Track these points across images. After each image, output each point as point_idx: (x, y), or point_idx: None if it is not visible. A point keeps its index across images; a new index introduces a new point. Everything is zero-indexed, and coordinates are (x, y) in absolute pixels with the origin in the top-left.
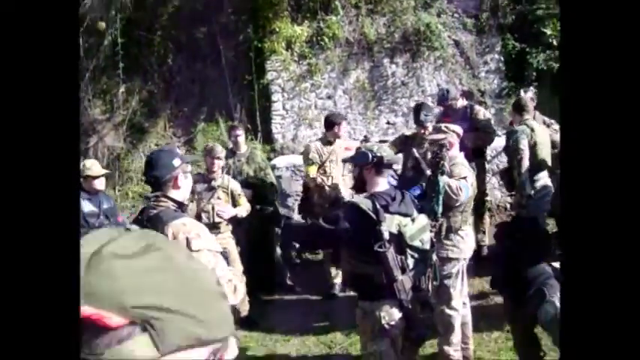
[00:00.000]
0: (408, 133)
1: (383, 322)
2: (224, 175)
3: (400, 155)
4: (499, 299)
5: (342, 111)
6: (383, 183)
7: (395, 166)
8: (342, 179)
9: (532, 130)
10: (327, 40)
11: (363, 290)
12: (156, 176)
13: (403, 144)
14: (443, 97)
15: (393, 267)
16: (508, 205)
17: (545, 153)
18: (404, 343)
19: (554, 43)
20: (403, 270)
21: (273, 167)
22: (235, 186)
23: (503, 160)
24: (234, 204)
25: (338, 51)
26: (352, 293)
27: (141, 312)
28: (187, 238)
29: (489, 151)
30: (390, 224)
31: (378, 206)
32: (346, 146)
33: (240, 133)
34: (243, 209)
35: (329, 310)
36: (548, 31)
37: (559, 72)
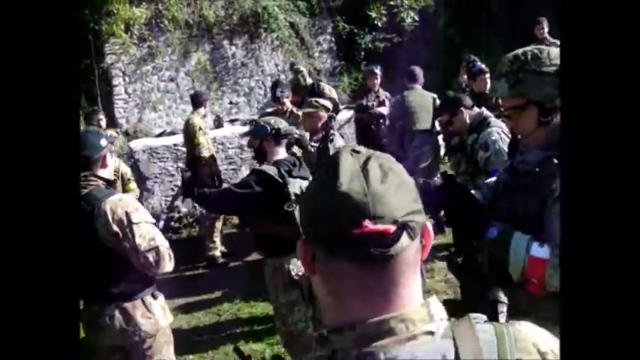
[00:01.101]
0: (268, 110)
1: (292, 273)
2: (115, 158)
3: (293, 126)
4: None
5: (185, 93)
6: (282, 152)
7: None
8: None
9: (407, 97)
10: (166, 22)
11: (272, 248)
12: (86, 156)
13: None
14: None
15: (299, 223)
16: None
17: (420, 117)
18: (308, 291)
19: (379, 25)
20: None
21: (131, 151)
22: (126, 169)
23: (348, 132)
24: (124, 188)
25: (178, 33)
26: (232, 264)
27: (403, 219)
28: (127, 212)
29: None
30: (294, 187)
31: (282, 171)
32: None
33: (103, 117)
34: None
35: (209, 283)
36: (373, 14)
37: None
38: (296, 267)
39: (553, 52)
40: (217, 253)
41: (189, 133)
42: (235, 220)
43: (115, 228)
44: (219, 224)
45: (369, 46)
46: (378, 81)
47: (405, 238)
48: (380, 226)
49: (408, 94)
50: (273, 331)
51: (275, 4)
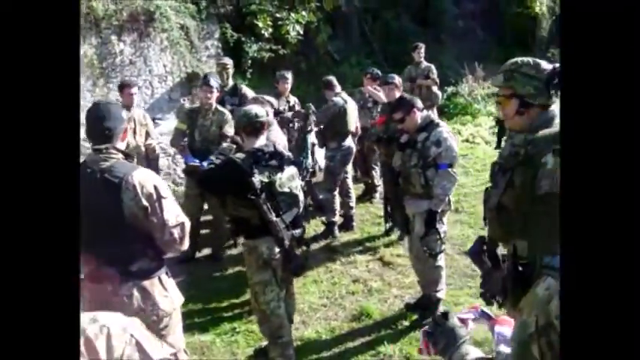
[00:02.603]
0: (192, 106)
1: (265, 256)
2: None
3: (272, 119)
4: None
5: None
6: (259, 140)
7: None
8: (142, 147)
9: (345, 101)
10: None
11: (245, 230)
12: (109, 128)
13: (189, 117)
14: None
15: (266, 211)
16: None
17: (352, 119)
18: (283, 274)
19: (266, 35)
20: (277, 213)
21: None
22: None
23: None
24: None
25: None
26: None
27: None
28: (155, 186)
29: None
30: (262, 176)
31: (251, 161)
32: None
33: None
34: None
35: None
36: (260, 24)
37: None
38: (268, 250)
39: (542, 65)
40: None
41: None
42: None
43: (145, 202)
44: None
45: (256, 55)
46: (289, 86)
47: None
48: None
49: (347, 98)
50: (217, 322)
51: (167, 5)
